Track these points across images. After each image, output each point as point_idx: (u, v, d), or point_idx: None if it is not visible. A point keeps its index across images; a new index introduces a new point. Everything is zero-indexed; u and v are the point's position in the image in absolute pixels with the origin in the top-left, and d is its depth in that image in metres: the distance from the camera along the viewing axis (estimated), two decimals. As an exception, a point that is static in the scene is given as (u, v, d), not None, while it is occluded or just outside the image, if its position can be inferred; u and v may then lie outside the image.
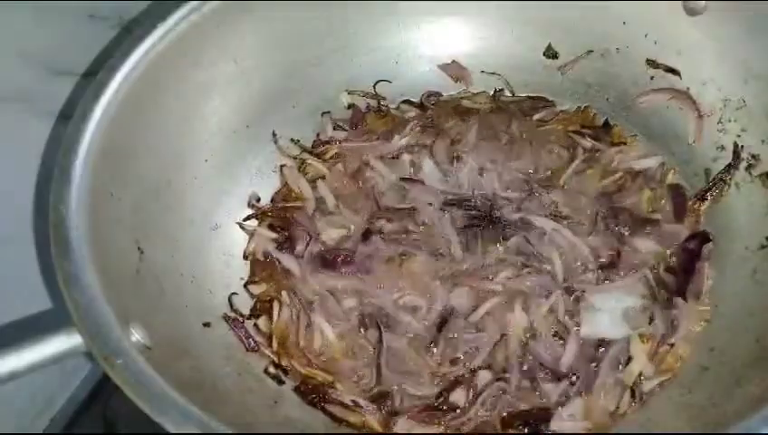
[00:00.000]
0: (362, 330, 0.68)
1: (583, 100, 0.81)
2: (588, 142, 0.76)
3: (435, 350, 0.66)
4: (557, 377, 0.64)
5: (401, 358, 0.67)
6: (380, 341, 0.66)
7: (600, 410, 0.62)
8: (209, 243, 0.73)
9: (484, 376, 0.65)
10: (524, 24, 0.81)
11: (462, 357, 0.66)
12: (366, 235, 0.72)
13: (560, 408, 0.63)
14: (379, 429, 0.64)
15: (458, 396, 0.64)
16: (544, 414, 0.63)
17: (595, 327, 0.65)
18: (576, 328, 0.65)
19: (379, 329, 0.67)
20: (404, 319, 0.68)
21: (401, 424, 0.64)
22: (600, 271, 0.68)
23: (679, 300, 0.66)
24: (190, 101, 0.73)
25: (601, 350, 0.65)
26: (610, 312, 0.66)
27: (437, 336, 0.67)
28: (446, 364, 0.66)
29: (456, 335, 0.67)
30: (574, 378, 0.64)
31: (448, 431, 0.63)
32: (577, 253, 0.69)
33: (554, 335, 0.66)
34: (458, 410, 0.64)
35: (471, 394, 0.64)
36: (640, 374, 0.63)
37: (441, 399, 0.64)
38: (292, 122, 0.80)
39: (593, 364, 0.64)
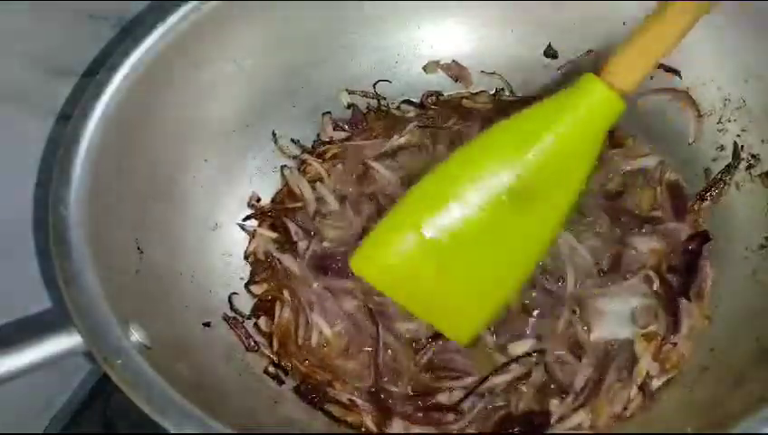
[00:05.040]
0: (360, 326, 0.68)
1: (583, 100, 0.80)
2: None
3: (423, 356, 0.66)
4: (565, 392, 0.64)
5: (393, 357, 0.66)
6: (378, 338, 0.66)
7: (606, 413, 0.62)
8: (209, 243, 0.73)
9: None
10: (524, 24, 0.81)
11: (447, 375, 0.65)
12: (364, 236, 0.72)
13: (564, 419, 0.62)
14: (373, 428, 0.64)
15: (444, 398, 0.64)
16: (544, 419, 0.62)
17: (604, 330, 0.65)
18: (587, 335, 0.65)
19: (377, 325, 0.67)
20: (405, 323, 0.68)
21: (398, 424, 0.64)
22: (602, 274, 0.68)
23: (683, 300, 0.66)
24: (190, 101, 0.73)
25: (608, 355, 0.64)
26: (617, 314, 0.66)
27: (429, 345, 0.66)
28: (428, 375, 0.66)
29: (448, 356, 0.66)
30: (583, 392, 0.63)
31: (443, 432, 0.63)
32: (579, 258, 0.69)
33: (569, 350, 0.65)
34: (454, 415, 0.63)
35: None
36: (648, 373, 0.63)
37: (430, 401, 0.64)
38: (292, 122, 0.80)
39: (600, 372, 0.64)
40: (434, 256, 0.59)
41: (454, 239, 0.58)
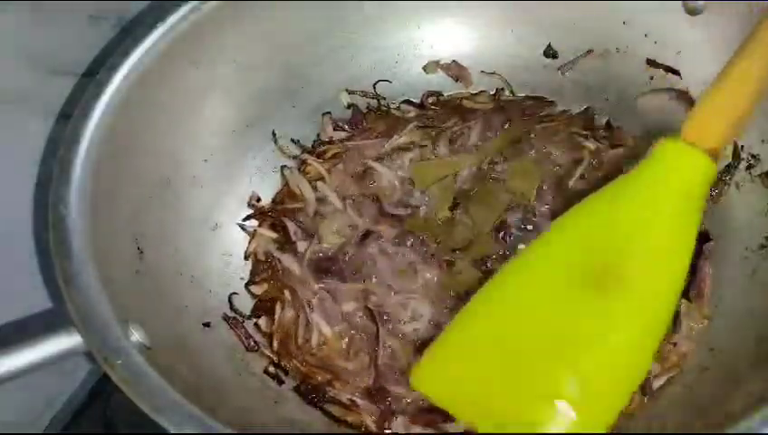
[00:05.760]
0: (360, 327, 0.68)
1: (583, 100, 0.80)
2: (592, 145, 0.76)
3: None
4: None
5: (393, 356, 0.66)
6: (378, 337, 0.66)
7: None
8: (209, 243, 0.73)
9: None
10: (524, 24, 0.81)
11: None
12: (365, 237, 0.72)
13: None
14: (373, 428, 0.64)
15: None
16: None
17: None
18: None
19: (377, 324, 0.67)
20: (405, 322, 0.67)
21: (398, 424, 0.64)
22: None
23: (683, 300, 0.66)
24: (190, 101, 0.73)
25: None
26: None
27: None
28: None
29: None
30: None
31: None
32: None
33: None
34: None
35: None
36: (648, 372, 0.63)
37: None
38: (292, 122, 0.80)
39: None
40: (509, 364, 0.49)
41: (533, 342, 0.49)
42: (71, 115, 0.64)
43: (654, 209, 0.49)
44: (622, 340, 0.48)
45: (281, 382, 0.67)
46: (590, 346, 0.48)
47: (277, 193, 0.79)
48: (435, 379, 0.52)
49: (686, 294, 0.66)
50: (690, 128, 0.50)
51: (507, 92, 0.83)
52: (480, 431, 0.50)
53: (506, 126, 0.78)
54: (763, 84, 0.50)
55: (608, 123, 0.79)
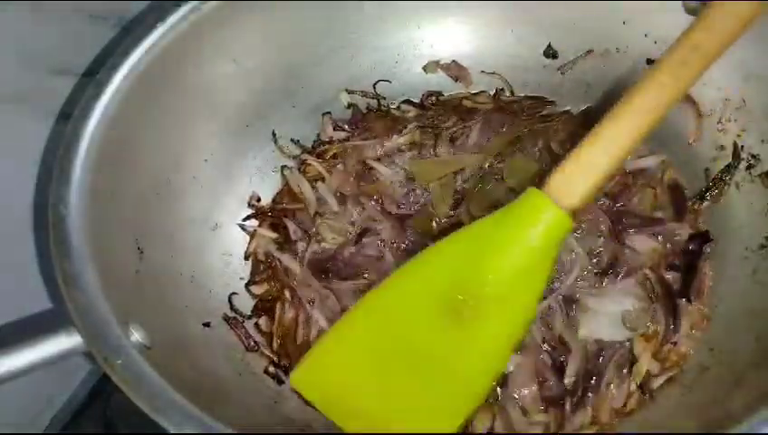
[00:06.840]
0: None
1: (583, 100, 0.81)
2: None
3: None
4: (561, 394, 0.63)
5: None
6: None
7: (607, 409, 0.62)
8: (209, 243, 0.74)
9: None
10: (524, 24, 0.81)
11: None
12: (364, 236, 0.72)
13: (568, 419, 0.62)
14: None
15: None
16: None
17: (594, 330, 0.65)
18: (575, 335, 0.65)
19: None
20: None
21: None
22: (597, 275, 0.68)
23: (682, 300, 0.66)
24: (190, 101, 0.73)
25: (603, 355, 0.64)
26: (609, 315, 0.66)
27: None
28: None
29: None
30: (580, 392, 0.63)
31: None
32: (575, 258, 0.68)
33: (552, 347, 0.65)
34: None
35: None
36: (648, 372, 0.63)
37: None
38: (292, 122, 0.80)
39: (596, 374, 0.63)
40: (375, 373, 0.59)
41: (396, 357, 0.59)
42: (71, 115, 0.64)
43: (509, 257, 0.56)
44: (467, 364, 0.58)
45: (281, 382, 0.67)
46: (441, 366, 0.58)
47: (277, 193, 0.79)
48: (311, 382, 0.62)
49: (685, 293, 0.66)
50: (554, 183, 0.54)
51: (507, 92, 0.83)
52: (347, 431, 0.60)
53: (506, 126, 0.78)
54: (627, 151, 0.54)
55: (608, 123, 0.79)
